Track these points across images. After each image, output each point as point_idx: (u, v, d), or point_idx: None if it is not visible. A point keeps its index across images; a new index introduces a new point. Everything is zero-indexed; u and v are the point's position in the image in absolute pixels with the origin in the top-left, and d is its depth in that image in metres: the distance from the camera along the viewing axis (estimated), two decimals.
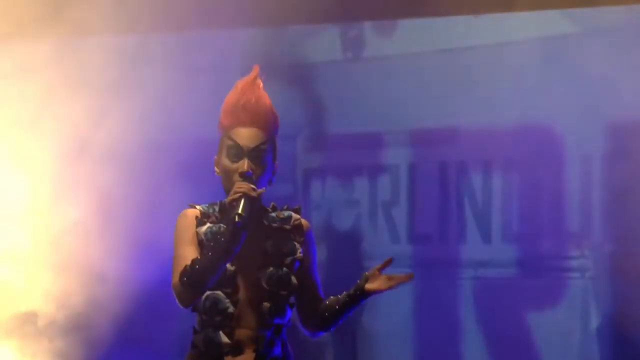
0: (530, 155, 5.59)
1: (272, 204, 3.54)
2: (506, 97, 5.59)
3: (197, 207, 3.49)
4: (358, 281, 3.45)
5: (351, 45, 5.91)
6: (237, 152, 3.42)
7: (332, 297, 3.51)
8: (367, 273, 3.43)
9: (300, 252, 3.47)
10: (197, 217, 3.46)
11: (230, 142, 3.43)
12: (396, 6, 5.67)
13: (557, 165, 5.56)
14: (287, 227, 3.49)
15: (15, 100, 5.51)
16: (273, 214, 3.51)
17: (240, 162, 3.40)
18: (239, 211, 3.28)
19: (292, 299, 3.49)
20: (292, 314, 3.50)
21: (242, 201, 3.30)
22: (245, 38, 5.78)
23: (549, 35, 5.59)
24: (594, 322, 5.48)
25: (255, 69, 3.51)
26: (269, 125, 3.46)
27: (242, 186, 3.33)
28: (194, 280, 3.29)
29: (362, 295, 3.42)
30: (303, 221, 3.53)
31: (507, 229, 5.62)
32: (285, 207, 3.55)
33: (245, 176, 3.38)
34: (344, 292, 3.48)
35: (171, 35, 5.83)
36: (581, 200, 5.55)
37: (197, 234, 3.43)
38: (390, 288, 3.40)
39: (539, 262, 5.58)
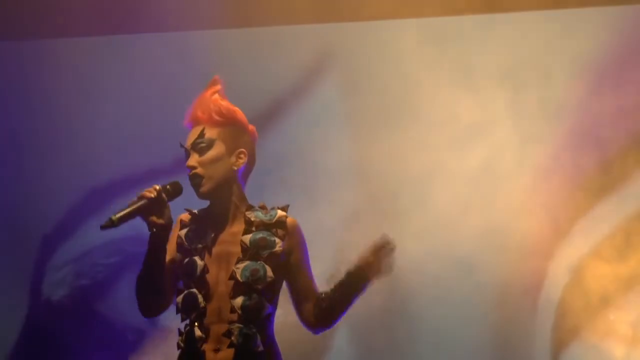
0: None
1: (260, 203, 3.65)
2: None
3: (194, 211, 3.63)
4: (348, 270, 3.52)
5: None
6: (186, 153, 3.61)
7: (328, 290, 3.58)
8: (361, 256, 3.52)
9: (280, 247, 3.55)
10: (181, 220, 3.63)
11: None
12: None
13: None
14: (268, 222, 3.58)
15: None
16: (258, 212, 3.61)
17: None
18: (115, 213, 3.30)
19: (275, 294, 3.57)
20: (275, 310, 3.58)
21: (135, 205, 3.34)
22: None
23: None
24: None
25: (213, 80, 3.64)
26: (212, 119, 3.57)
27: (148, 190, 3.39)
28: (136, 287, 3.49)
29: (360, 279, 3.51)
30: (289, 219, 3.60)
31: None
32: (274, 207, 3.65)
33: (190, 171, 3.55)
34: (339, 281, 3.54)
35: None
36: None
37: (179, 236, 3.59)
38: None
39: None
